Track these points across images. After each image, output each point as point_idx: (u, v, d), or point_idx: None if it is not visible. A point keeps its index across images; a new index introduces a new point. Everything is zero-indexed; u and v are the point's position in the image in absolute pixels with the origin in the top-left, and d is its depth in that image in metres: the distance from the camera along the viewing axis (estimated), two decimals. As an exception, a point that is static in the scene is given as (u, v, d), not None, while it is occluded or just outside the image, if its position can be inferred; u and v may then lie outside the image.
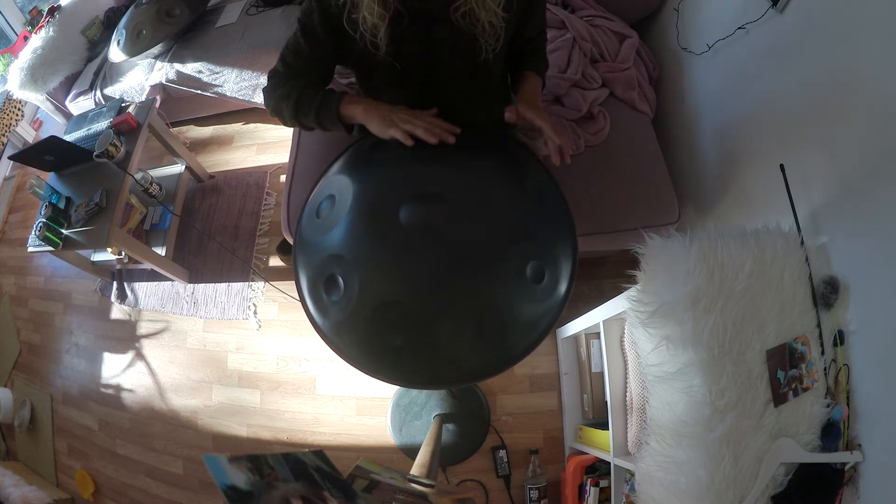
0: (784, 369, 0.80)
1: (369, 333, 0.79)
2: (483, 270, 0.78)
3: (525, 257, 0.80)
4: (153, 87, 2.24)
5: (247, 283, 2.10)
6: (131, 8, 2.31)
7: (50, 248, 1.84)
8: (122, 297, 2.27)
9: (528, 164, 0.95)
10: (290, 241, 1.51)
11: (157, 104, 2.18)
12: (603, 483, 1.37)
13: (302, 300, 0.86)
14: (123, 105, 2.02)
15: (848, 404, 0.82)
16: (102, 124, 1.96)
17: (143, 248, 1.97)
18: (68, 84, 2.46)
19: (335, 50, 0.96)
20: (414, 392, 1.74)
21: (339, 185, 0.90)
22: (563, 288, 0.81)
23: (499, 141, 1.01)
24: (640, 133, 1.50)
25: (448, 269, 0.76)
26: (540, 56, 1.11)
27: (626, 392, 1.23)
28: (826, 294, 0.84)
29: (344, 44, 0.93)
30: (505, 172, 0.89)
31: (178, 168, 2.28)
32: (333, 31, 0.92)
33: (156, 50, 2.21)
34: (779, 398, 0.80)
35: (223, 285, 2.13)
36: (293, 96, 0.95)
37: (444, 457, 1.67)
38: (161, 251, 2.07)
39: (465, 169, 0.87)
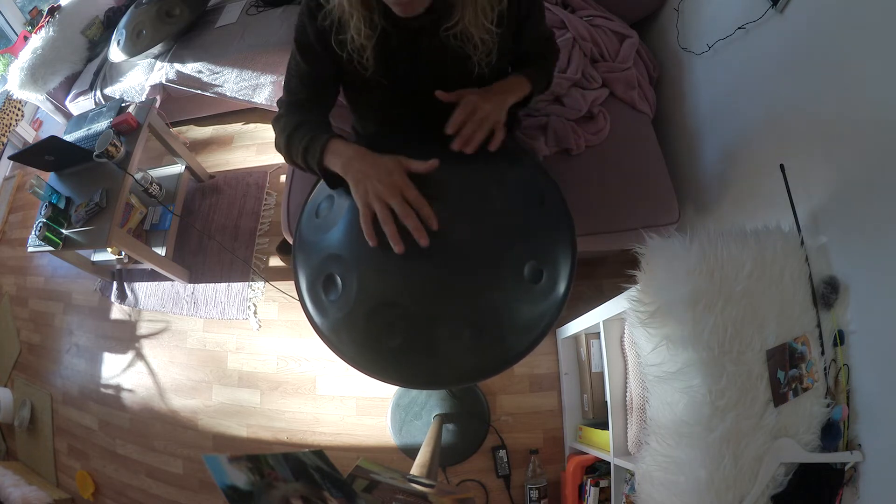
0: (784, 369, 0.80)
1: (367, 333, 0.79)
2: (481, 271, 0.78)
3: (523, 258, 0.80)
4: (153, 87, 2.24)
5: (247, 283, 2.10)
6: (131, 8, 2.31)
7: (50, 248, 1.84)
8: (122, 297, 2.27)
9: (528, 165, 0.95)
10: (290, 240, 1.51)
11: (157, 104, 2.18)
12: (603, 483, 1.37)
13: (301, 299, 0.86)
14: (123, 105, 2.02)
15: (848, 404, 0.81)
16: (102, 124, 1.96)
17: (143, 248, 1.97)
18: (68, 84, 2.46)
19: (334, 64, 0.92)
20: (414, 392, 1.74)
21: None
22: (561, 288, 0.81)
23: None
24: (640, 133, 1.50)
25: (446, 270, 0.75)
26: (540, 66, 1.05)
27: (626, 392, 1.23)
28: (826, 294, 0.84)
29: (333, 59, 0.90)
30: (503, 173, 0.89)
31: (178, 168, 2.28)
32: (327, 46, 0.88)
33: (156, 50, 2.21)
34: (779, 398, 0.80)
35: (223, 285, 2.13)
36: (287, 131, 0.89)
37: (444, 457, 1.67)
38: (161, 251, 2.07)
39: (464, 169, 0.87)
